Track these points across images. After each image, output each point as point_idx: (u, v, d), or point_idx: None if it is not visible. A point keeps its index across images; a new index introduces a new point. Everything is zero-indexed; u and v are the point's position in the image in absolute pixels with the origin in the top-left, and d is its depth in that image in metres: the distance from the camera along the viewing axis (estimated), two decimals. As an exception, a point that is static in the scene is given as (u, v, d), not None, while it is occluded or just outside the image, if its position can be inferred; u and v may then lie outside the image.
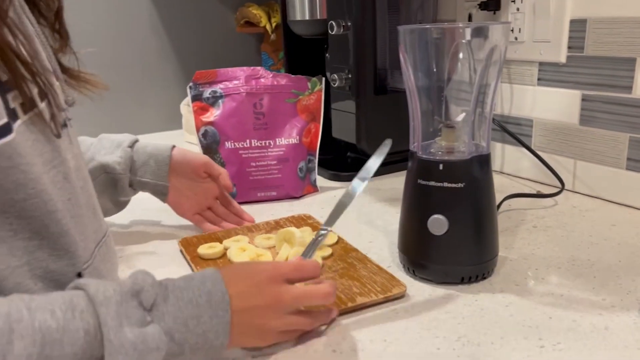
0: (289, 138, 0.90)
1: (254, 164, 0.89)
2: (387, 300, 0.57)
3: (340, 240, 0.72)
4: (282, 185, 0.90)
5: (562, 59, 0.86)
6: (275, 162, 0.90)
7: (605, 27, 0.80)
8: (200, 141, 0.89)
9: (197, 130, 0.89)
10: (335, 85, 0.98)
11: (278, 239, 0.70)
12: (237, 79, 0.89)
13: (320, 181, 1.00)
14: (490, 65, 0.59)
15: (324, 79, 0.92)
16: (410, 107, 0.62)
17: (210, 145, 0.89)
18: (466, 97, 0.61)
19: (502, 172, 1.01)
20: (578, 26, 0.83)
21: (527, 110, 0.94)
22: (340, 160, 1.09)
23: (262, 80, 0.90)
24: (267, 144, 0.89)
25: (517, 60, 0.93)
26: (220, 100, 0.89)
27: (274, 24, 1.48)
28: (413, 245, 0.62)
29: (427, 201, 0.59)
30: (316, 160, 0.94)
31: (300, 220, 0.79)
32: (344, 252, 0.69)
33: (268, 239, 0.73)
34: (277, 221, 0.79)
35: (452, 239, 0.59)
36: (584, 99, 0.85)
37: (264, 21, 1.45)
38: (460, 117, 0.61)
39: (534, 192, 0.89)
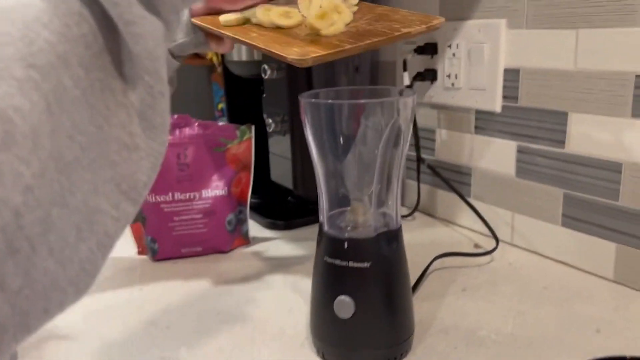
0: (215, 189, 0.86)
1: (177, 219, 0.84)
2: (429, 30, 0.58)
3: (361, 3, 0.67)
4: (209, 240, 0.86)
5: (497, 108, 0.83)
6: (200, 215, 0.85)
7: (537, 77, 0.77)
8: (121, 194, 0.84)
9: (118, 182, 0.84)
10: (271, 129, 0.94)
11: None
12: (160, 129, 0.85)
13: (256, 230, 0.95)
14: (395, 136, 0.55)
15: (253, 127, 0.88)
16: (317, 175, 0.58)
17: (131, 198, 0.85)
18: (371, 169, 0.57)
19: (439, 218, 0.97)
20: (512, 75, 0.80)
21: (466, 158, 0.90)
22: (281, 205, 1.04)
23: (187, 129, 0.85)
24: (192, 197, 0.85)
25: (454, 106, 0.90)
26: (141, 151, 0.84)
27: (220, 57, 1.44)
28: (322, 327, 0.57)
29: (334, 281, 0.55)
30: (247, 211, 0.90)
31: None
32: (368, 9, 0.65)
33: (285, 16, 0.64)
34: None
35: (359, 322, 0.54)
36: (520, 150, 0.81)
37: (209, 54, 1.41)
38: (365, 191, 0.57)
39: (472, 244, 0.86)
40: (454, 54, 0.88)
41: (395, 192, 0.57)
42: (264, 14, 0.63)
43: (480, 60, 0.83)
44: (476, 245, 0.86)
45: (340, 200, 0.59)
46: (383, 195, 0.57)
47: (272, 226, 0.97)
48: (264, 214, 0.99)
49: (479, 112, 0.87)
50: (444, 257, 0.80)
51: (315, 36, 0.57)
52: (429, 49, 0.91)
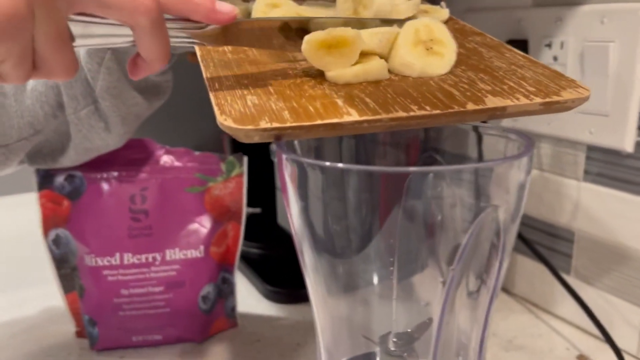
0: (187, 249, 0.58)
1: (125, 292, 0.57)
2: (549, 109, 0.31)
3: (452, 19, 0.46)
4: (172, 325, 0.58)
5: (628, 145, 0.52)
6: (161, 288, 0.57)
7: None
8: (50, 250, 0.58)
9: (46, 234, 0.58)
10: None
11: None
12: (108, 158, 0.58)
13: (249, 301, 0.67)
14: (487, 234, 0.26)
15: (246, 158, 0.60)
16: (310, 292, 0.30)
17: (65, 257, 0.58)
18: (429, 288, 0.28)
19: (518, 297, 0.66)
20: (657, 95, 0.49)
21: (567, 216, 0.59)
22: (289, 262, 0.76)
23: (148, 160, 0.58)
24: (150, 260, 0.57)
25: (551, 137, 0.59)
26: (80, 190, 0.57)
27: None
28: None
29: None
30: (234, 279, 0.62)
31: None
32: (461, 34, 0.43)
33: (324, 8, 0.45)
34: None
35: None
36: (664, 215, 0.50)
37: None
38: (416, 328, 0.29)
39: (573, 354, 0.55)
40: (555, 58, 0.57)
41: (482, 330, 0.28)
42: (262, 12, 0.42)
43: (602, 68, 0.52)
44: (580, 357, 0.55)
45: (353, 346, 0.30)
46: (456, 335, 0.29)
47: (274, 296, 0.68)
48: (264, 276, 0.71)
49: (593, 149, 0.56)
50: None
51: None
52: (515, 47, 0.60)
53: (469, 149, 0.39)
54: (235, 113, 0.29)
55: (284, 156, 0.32)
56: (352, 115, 0.29)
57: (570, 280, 0.59)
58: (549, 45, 0.57)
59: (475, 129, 0.39)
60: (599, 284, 0.57)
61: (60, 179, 0.57)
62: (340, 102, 0.30)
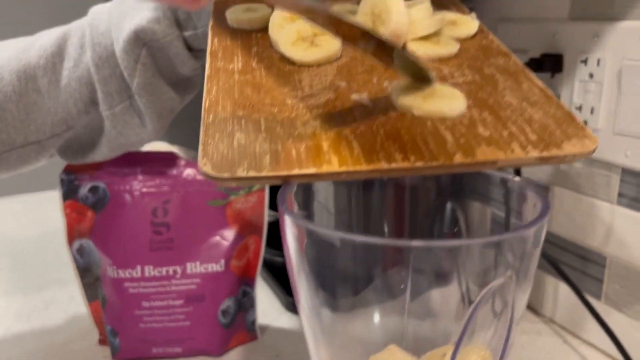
0: (208, 263, 0.58)
1: (146, 304, 0.57)
2: (545, 162, 0.29)
3: (482, 31, 0.43)
4: (192, 338, 0.58)
5: (666, 171, 0.49)
6: (181, 301, 0.58)
7: None
8: (74, 259, 0.59)
9: (70, 243, 0.58)
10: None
11: (363, 9, 0.40)
12: (131, 171, 0.58)
13: (271, 314, 0.67)
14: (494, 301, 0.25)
15: (268, 172, 0.59)
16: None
17: (89, 267, 0.59)
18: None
19: (546, 319, 0.64)
20: (700, 120, 0.47)
21: (599, 239, 0.57)
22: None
23: (171, 172, 0.58)
24: (171, 273, 0.57)
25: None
26: (104, 201, 0.58)
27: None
28: None
29: None
30: (255, 293, 0.62)
31: None
32: (484, 53, 0.40)
33: (350, 12, 0.43)
34: None
35: None
36: (703, 247, 0.48)
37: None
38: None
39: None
40: (591, 75, 0.54)
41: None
42: (278, 26, 0.41)
43: (641, 89, 0.50)
44: (608, 389, 0.53)
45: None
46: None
47: (295, 309, 0.68)
48: (287, 287, 0.70)
49: (628, 173, 0.53)
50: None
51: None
52: (549, 62, 0.58)
53: (492, 194, 0.38)
54: (216, 156, 0.29)
55: (283, 213, 0.32)
56: (332, 165, 0.28)
57: (600, 305, 0.57)
58: (584, 62, 0.55)
59: (501, 179, 0.38)
60: (630, 311, 0.55)
61: (84, 190, 0.57)
62: (326, 145, 0.29)
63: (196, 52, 0.51)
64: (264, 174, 0.27)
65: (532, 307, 0.66)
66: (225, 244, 0.59)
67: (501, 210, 0.38)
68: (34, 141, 0.50)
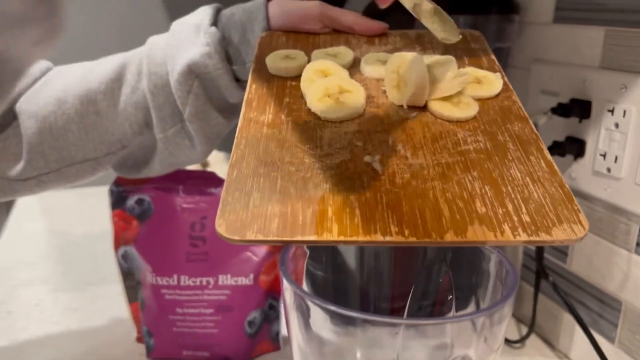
0: (238, 276, 0.62)
1: (180, 311, 0.62)
2: (533, 244, 0.31)
3: (507, 90, 0.44)
4: (219, 344, 0.63)
5: (682, 226, 0.50)
6: (211, 310, 0.62)
7: None
8: (119, 263, 0.64)
9: (116, 249, 0.64)
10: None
11: (389, 68, 0.43)
12: (174, 187, 0.63)
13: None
14: None
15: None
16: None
17: (131, 271, 0.64)
18: None
19: (560, 353, 0.66)
20: None
21: (616, 284, 0.58)
22: (338, 285, 0.79)
23: (211, 190, 0.63)
24: (204, 284, 0.62)
25: (607, 202, 0.58)
26: (148, 213, 0.63)
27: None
28: None
29: None
30: (280, 306, 0.66)
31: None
32: (502, 116, 0.41)
33: (381, 63, 0.46)
34: (421, 34, 0.53)
35: None
36: None
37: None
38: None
39: None
40: (616, 124, 0.56)
41: None
42: (310, 79, 0.45)
43: (662, 144, 0.51)
44: None
45: None
46: None
47: (338, 320, 0.72)
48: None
49: (647, 224, 0.54)
50: None
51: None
52: (578, 108, 0.59)
53: (482, 264, 0.40)
54: (231, 217, 0.32)
55: (282, 275, 0.36)
56: (332, 234, 0.31)
57: (613, 349, 0.58)
58: (611, 111, 0.56)
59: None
60: (642, 358, 0.56)
61: (131, 202, 0.63)
62: (330, 211, 0.32)
63: (243, 83, 0.55)
64: (270, 238, 0.31)
65: (548, 341, 0.68)
66: (255, 259, 0.63)
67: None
68: (92, 158, 0.56)
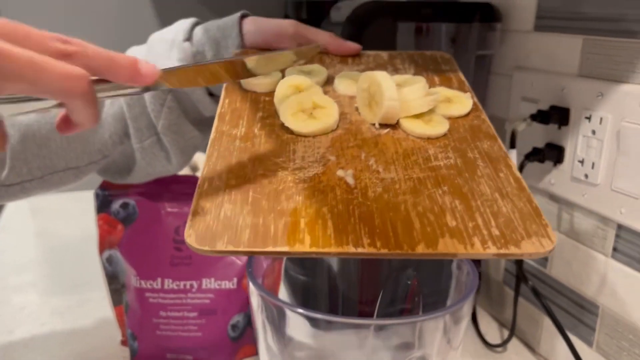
0: (222, 280, 0.63)
1: (163, 314, 0.63)
2: (503, 257, 0.32)
3: (476, 110, 0.46)
4: (202, 349, 0.64)
5: (656, 232, 0.51)
6: (195, 314, 0.63)
7: None
8: (104, 266, 0.65)
9: (101, 252, 0.64)
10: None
11: (360, 86, 0.44)
12: (159, 191, 0.63)
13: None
14: None
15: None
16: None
17: (116, 274, 0.65)
18: None
19: (541, 357, 0.67)
20: (689, 187, 0.48)
21: (593, 288, 0.59)
22: (325, 289, 0.79)
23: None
24: (187, 287, 0.63)
25: (584, 208, 0.59)
26: (133, 217, 0.64)
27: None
28: None
29: None
30: (264, 310, 0.66)
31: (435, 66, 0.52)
32: (472, 135, 0.42)
33: (354, 81, 0.47)
34: (410, 55, 0.54)
35: None
36: (686, 309, 0.49)
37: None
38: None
39: None
40: (593, 131, 0.57)
41: None
42: (283, 94, 0.45)
43: (637, 150, 0.52)
44: None
45: None
46: None
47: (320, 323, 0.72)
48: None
49: (623, 230, 0.55)
50: None
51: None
52: (557, 115, 0.60)
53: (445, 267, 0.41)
54: (201, 228, 0.32)
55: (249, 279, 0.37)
56: (304, 245, 0.31)
57: (591, 353, 0.59)
58: (588, 118, 0.57)
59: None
60: (619, 362, 0.56)
61: (116, 205, 0.63)
62: (303, 223, 0.32)
63: (217, 97, 0.56)
64: (240, 249, 0.31)
65: (530, 345, 0.69)
66: (239, 263, 0.63)
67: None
68: (74, 167, 0.56)
